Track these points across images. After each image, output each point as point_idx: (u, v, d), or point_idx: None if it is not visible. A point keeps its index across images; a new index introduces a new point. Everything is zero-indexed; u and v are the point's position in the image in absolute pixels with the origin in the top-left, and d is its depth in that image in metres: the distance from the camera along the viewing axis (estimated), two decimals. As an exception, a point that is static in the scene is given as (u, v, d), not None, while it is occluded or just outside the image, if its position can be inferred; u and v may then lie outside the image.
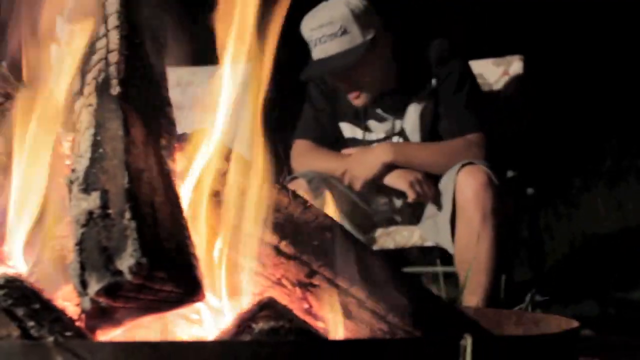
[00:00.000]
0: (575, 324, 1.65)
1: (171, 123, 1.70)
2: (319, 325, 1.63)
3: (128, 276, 1.31)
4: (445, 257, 3.68)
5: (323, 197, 3.54)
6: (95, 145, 1.51)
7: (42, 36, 1.75)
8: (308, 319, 1.59)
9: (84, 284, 1.35)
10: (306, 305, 1.63)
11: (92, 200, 1.42)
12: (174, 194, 1.53)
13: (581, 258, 5.57)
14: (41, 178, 1.68)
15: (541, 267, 4.33)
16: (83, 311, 1.37)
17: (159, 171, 1.53)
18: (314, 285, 1.63)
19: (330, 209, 1.85)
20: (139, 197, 1.41)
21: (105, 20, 1.71)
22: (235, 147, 1.76)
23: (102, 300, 1.34)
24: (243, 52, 1.75)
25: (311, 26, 3.76)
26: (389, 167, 3.71)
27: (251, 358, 1.22)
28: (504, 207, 3.49)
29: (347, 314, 1.62)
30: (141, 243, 1.33)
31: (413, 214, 3.82)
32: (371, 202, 3.86)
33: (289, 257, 1.63)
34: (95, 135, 1.52)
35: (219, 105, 1.75)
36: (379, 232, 3.82)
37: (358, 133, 3.94)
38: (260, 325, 1.44)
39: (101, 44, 1.68)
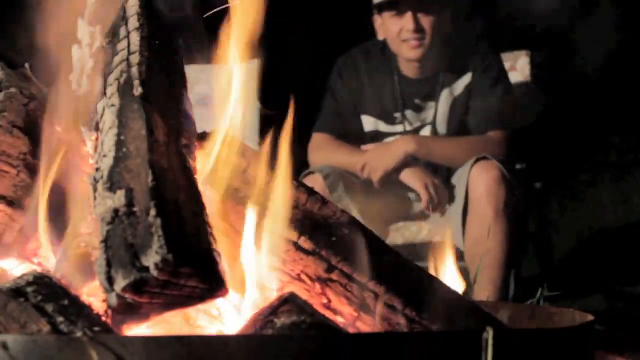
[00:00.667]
0: (590, 317, 1.68)
1: (191, 122, 1.73)
2: (338, 319, 1.66)
3: (154, 272, 1.34)
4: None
5: (339, 192, 3.58)
6: (119, 144, 1.54)
7: (64, 38, 1.78)
8: (327, 314, 1.62)
9: (110, 280, 1.37)
10: (325, 300, 1.66)
11: (118, 198, 1.44)
12: (196, 192, 1.55)
13: (587, 252, 5.58)
14: (65, 178, 1.70)
15: (549, 262, 4.35)
16: (109, 307, 1.39)
17: (181, 169, 1.56)
18: (333, 280, 1.65)
19: (346, 204, 1.88)
20: (163, 195, 1.43)
21: (125, 22, 1.74)
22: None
23: (128, 296, 1.36)
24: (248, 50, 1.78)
25: None
26: (410, 160, 3.73)
27: (278, 352, 1.24)
28: (515, 202, 3.51)
29: (366, 309, 1.64)
30: (166, 239, 1.35)
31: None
32: (387, 198, 3.87)
33: (308, 252, 1.65)
34: (118, 134, 1.55)
35: (232, 103, 1.78)
36: (391, 227, 3.84)
37: (381, 126, 3.96)
38: (282, 320, 1.46)
39: (122, 45, 1.71)
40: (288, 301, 1.51)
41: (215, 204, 1.69)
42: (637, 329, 3.16)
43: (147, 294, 1.37)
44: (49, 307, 1.40)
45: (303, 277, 1.66)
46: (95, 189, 1.52)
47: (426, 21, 3.79)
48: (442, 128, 3.87)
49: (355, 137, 3.96)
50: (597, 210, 6.17)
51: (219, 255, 1.46)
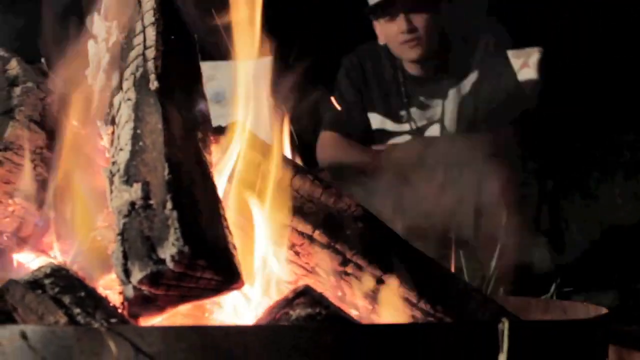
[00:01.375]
0: (604, 310, 1.68)
1: (206, 116, 1.74)
2: (352, 312, 1.66)
3: (170, 264, 1.34)
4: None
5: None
6: (135, 138, 1.55)
7: (79, 34, 1.79)
8: (342, 307, 1.62)
9: (127, 273, 1.38)
10: (340, 293, 1.67)
11: (134, 192, 1.45)
12: (211, 185, 1.56)
13: (600, 249, 5.58)
14: (81, 171, 1.71)
15: (562, 259, 4.34)
16: (126, 299, 1.40)
17: (196, 163, 1.57)
18: (348, 274, 1.66)
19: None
20: (179, 188, 1.44)
21: (141, 17, 1.75)
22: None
23: (145, 288, 1.37)
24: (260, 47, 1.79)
25: None
26: (419, 162, 3.74)
27: (293, 342, 1.25)
28: (527, 199, 3.52)
29: (380, 301, 1.65)
30: (183, 232, 1.36)
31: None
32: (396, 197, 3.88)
33: (322, 245, 1.66)
34: (135, 128, 1.56)
35: (245, 98, 1.79)
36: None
37: (388, 124, 3.97)
38: (297, 312, 1.47)
39: (138, 40, 1.72)
40: (303, 294, 1.52)
41: (231, 198, 1.69)
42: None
43: (164, 286, 1.38)
44: (67, 299, 1.40)
45: (318, 270, 1.67)
46: (111, 183, 1.53)
47: (419, 20, 3.81)
48: (451, 127, 3.88)
49: (363, 136, 3.97)
50: (609, 208, 6.16)
51: (235, 248, 1.47)
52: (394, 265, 1.66)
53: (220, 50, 1.85)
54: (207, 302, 1.59)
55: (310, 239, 1.67)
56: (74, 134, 1.74)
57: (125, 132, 1.57)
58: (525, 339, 1.37)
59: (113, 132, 1.65)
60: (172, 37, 1.74)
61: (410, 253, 1.72)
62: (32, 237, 1.76)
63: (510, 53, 4.36)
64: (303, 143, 2.02)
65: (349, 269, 1.66)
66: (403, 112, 3.96)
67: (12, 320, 1.40)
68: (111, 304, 1.45)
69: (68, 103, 1.75)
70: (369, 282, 1.65)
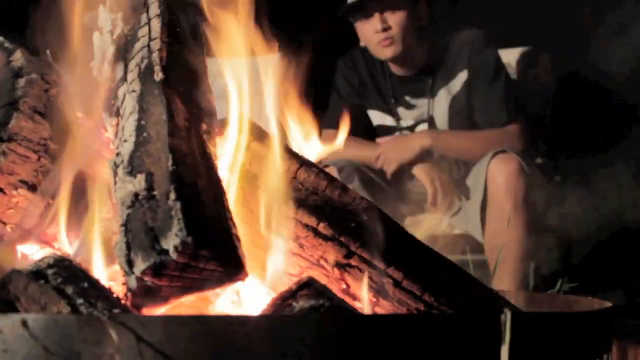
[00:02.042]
0: (608, 304, 1.68)
1: (211, 108, 1.74)
2: (356, 305, 1.66)
3: (173, 255, 1.34)
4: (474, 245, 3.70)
5: (354, 186, 3.60)
6: (140, 129, 1.55)
7: (84, 25, 1.79)
8: (346, 299, 1.62)
9: (130, 264, 1.38)
10: (344, 286, 1.66)
11: (138, 183, 1.45)
12: (215, 176, 1.56)
13: (607, 247, 5.57)
14: (85, 163, 1.72)
15: (568, 256, 4.33)
16: (129, 290, 1.40)
17: (200, 154, 1.57)
18: (352, 266, 1.66)
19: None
20: (183, 179, 1.44)
21: (146, 8, 1.75)
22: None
23: (148, 279, 1.37)
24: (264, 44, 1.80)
25: None
26: (425, 154, 3.75)
27: (296, 332, 1.25)
28: (534, 195, 3.52)
29: (385, 294, 1.65)
30: (186, 223, 1.36)
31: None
32: (403, 190, 3.89)
33: (327, 238, 1.66)
34: (139, 120, 1.56)
35: (252, 93, 1.79)
36: (408, 220, 3.85)
37: (388, 120, 3.98)
38: (300, 304, 1.46)
39: (143, 32, 1.72)
40: (307, 285, 1.52)
41: (235, 189, 1.69)
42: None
43: (167, 277, 1.38)
44: (69, 289, 1.40)
45: (322, 262, 1.67)
46: (115, 174, 1.53)
47: (393, 19, 3.80)
48: (442, 127, 3.88)
49: (364, 133, 3.99)
50: (617, 205, 6.15)
51: (238, 240, 1.47)
52: (398, 258, 1.66)
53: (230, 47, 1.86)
54: (211, 294, 1.59)
55: (315, 231, 1.67)
56: (78, 125, 1.74)
57: (129, 124, 1.57)
58: (528, 331, 1.37)
59: (117, 124, 1.65)
60: (178, 29, 1.74)
61: (414, 246, 1.72)
62: (36, 228, 1.76)
63: (516, 51, 4.35)
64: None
65: (354, 262, 1.65)
66: (394, 111, 3.99)
67: (15, 310, 1.40)
68: (114, 295, 1.45)
69: (73, 95, 1.75)
70: (373, 274, 1.65)
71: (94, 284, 1.45)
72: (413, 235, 1.76)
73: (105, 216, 1.65)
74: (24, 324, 1.23)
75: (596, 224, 5.91)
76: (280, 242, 1.65)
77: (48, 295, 1.39)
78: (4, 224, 1.75)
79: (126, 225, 1.41)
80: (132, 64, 1.68)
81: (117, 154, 1.56)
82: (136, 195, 1.44)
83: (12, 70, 1.82)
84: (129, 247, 1.39)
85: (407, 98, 3.93)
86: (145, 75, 1.63)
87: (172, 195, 1.40)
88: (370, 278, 1.64)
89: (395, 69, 3.99)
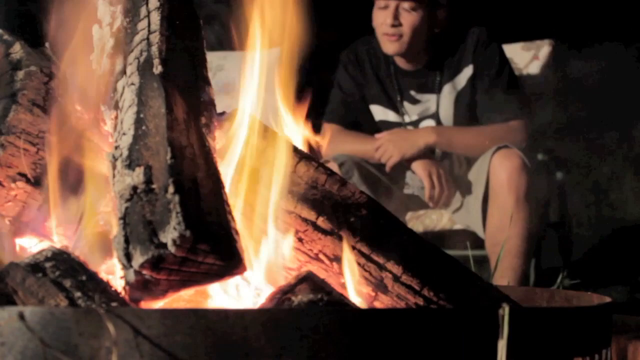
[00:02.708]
0: (607, 299, 1.68)
1: (211, 102, 1.73)
2: (355, 299, 1.66)
3: (171, 248, 1.34)
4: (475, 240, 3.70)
5: (354, 180, 3.60)
6: (138, 122, 1.54)
7: (83, 19, 1.79)
8: (345, 293, 1.62)
9: (128, 257, 1.37)
10: (343, 280, 1.66)
11: (136, 176, 1.44)
12: (214, 170, 1.56)
13: (608, 244, 5.57)
14: (83, 156, 1.71)
15: (569, 252, 4.33)
16: (127, 283, 1.39)
17: (199, 148, 1.56)
18: (351, 261, 1.65)
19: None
20: (181, 172, 1.44)
21: (146, 1, 1.75)
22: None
23: (146, 273, 1.37)
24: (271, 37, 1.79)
25: None
26: (428, 150, 3.75)
27: (293, 326, 1.25)
28: (536, 191, 3.52)
29: (383, 289, 1.64)
30: (184, 216, 1.36)
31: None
32: (404, 185, 3.89)
33: (326, 232, 1.66)
34: (138, 113, 1.56)
35: (253, 87, 1.79)
36: (409, 215, 3.85)
37: (391, 115, 3.98)
38: (299, 298, 1.46)
39: (143, 24, 1.71)
40: (306, 280, 1.52)
41: (234, 183, 1.69)
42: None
43: (165, 271, 1.38)
44: (67, 283, 1.40)
45: (321, 256, 1.66)
46: (114, 167, 1.52)
47: (408, 18, 3.80)
48: (447, 122, 3.88)
49: (366, 128, 3.99)
50: (618, 202, 6.16)
51: (237, 234, 1.46)
52: (398, 253, 1.65)
53: (230, 41, 1.85)
54: (209, 288, 1.59)
55: (314, 225, 1.66)
56: (77, 118, 1.73)
57: (128, 117, 1.57)
58: (526, 326, 1.37)
59: (116, 117, 1.65)
60: (177, 21, 1.74)
61: (414, 240, 1.72)
62: (35, 221, 1.76)
63: (521, 45, 4.35)
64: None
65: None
66: (399, 105, 3.98)
67: (12, 303, 1.40)
68: (112, 288, 1.45)
69: (72, 87, 1.75)
70: (372, 269, 1.64)
71: (92, 277, 1.45)
72: (413, 230, 1.76)
73: (104, 209, 1.65)
74: (21, 316, 1.22)
75: (597, 220, 5.92)
76: (279, 236, 1.65)
77: (46, 288, 1.39)
78: (2, 216, 1.75)
79: (124, 219, 1.41)
80: (131, 57, 1.68)
81: (116, 147, 1.55)
82: (135, 188, 1.44)
83: (10, 62, 1.81)
84: (127, 241, 1.39)
85: (412, 92, 3.93)
86: (144, 68, 1.62)
87: (171, 189, 1.40)
88: (369, 272, 1.64)
89: (401, 63, 3.98)
